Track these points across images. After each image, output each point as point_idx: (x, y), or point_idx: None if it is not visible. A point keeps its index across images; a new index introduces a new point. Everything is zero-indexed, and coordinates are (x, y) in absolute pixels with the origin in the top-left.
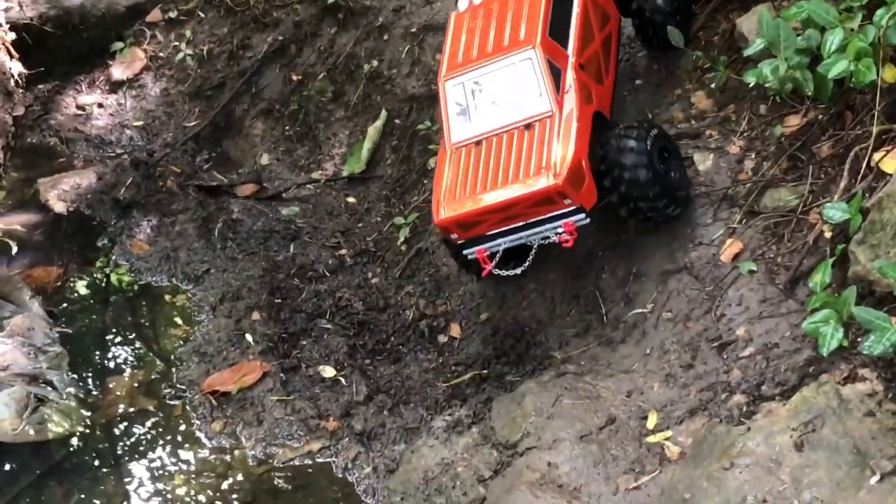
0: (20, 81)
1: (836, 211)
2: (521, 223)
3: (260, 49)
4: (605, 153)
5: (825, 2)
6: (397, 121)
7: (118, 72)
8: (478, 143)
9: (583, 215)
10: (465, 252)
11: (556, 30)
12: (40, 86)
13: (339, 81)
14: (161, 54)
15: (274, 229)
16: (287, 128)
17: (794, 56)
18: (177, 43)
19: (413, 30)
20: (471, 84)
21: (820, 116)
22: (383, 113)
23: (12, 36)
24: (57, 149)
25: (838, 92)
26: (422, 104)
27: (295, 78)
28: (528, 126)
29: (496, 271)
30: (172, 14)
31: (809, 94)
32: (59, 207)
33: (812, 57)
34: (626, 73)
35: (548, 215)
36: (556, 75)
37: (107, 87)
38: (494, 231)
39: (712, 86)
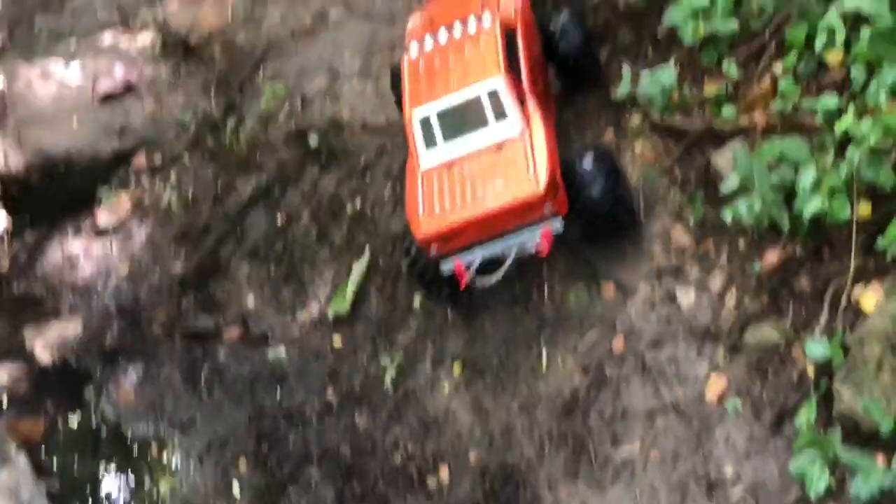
0: (5, 237)
1: (817, 348)
2: (499, 231)
3: (244, 192)
4: (566, 171)
5: (798, 138)
6: (381, 260)
7: (104, 218)
8: (449, 166)
9: (559, 221)
10: (442, 266)
11: (511, 63)
12: (26, 234)
13: (324, 222)
14: (147, 200)
15: (260, 373)
16: (272, 269)
17: (770, 193)
18: (162, 188)
19: (395, 170)
20: (437, 114)
21: (798, 251)
22: (367, 253)
23: None
24: (43, 297)
25: (815, 228)
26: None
27: (280, 220)
28: (500, 147)
29: (474, 283)
30: (157, 160)
31: (786, 229)
32: (44, 357)
33: (787, 193)
34: None
35: (526, 222)
36: (521, 101)
37: (93, 234)
38: (472, 242)
39: (690, 222)
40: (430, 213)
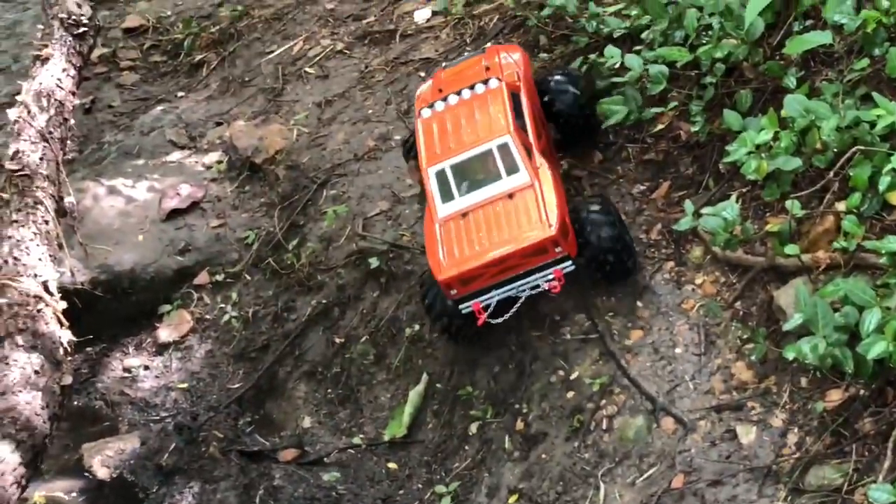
0: (69, 350)
1: (881, 493)
2: (514, 274)
3: (304, 312)
4: (576, 217)
5: (861, 279)
6: (438, 385)
7: (165, 334)
8: (464, 215)
9: (570, 262)
10: (461, 307)
11: (519, 121)
12: (88, 349)
13: (382, 344)
14: (207, 316)
15: (315, 496)
16: (329, 390)
17: (833, 334)
18: (223, 305)
19: None
20: (452, 170)
21: (861, 392)
22: (424, 377)
23: (63, 305)
24: (102, 412)
25: (879, 369)
26: (463, 369)
27: (338, 341)
28: (511, 195)
29: (490, 321)
30: (219, 277)
31: (850, 370)
32: (102, 473)
33: (851, 334)
34: (666, 341)
35: (539, 264)
36: (529, 155)
37: (153, 350)
38: (489, 284)
39: (752, 357)
40: (450, 258)
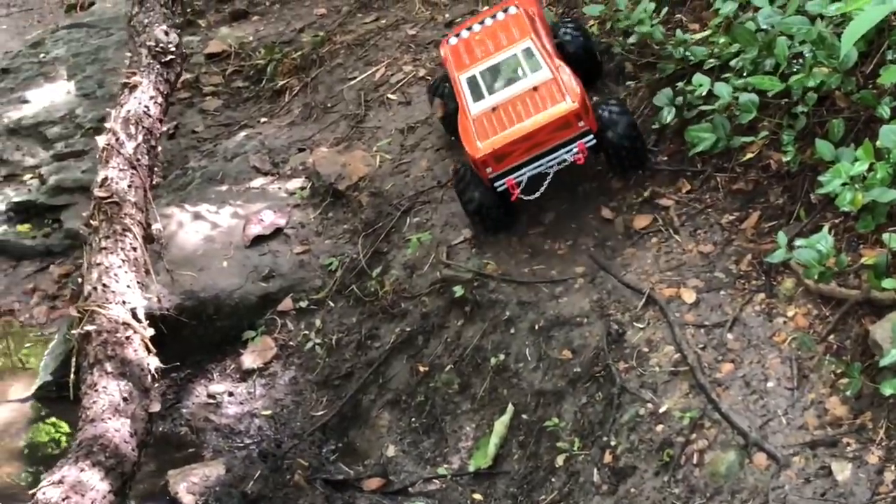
0: (156, 376)
1: None
2: (543, 150)
3: (387, 340)
4: (597, 116)
5: None
6: (524, 416)
7: (249, 360)
8: (494, 109)
9: (592, 136)
10: (496, 184)
11: (537, 35)
12: (172, 374)
13: (466, 374)
14: (291, 343)
15: None
16: (413, 419)
17: None
18: (307, 332)
19: (540, 324)
20: (481, 75)
21: None
22: (510, 407)
23: (150, 331)
24: (187, 438)
25: None
26: (549, 400)
27: (422, 369)
28: (536, 88)
29: (522, 196)
30: (303, 304)
31: None
32: (187, 500)
33: None
34: (757, 374)
35: (565, 139)
36: (549, 57)
37: (237, 376)
38: (520, 161)
39: (847, 392)
40: (484, 138)
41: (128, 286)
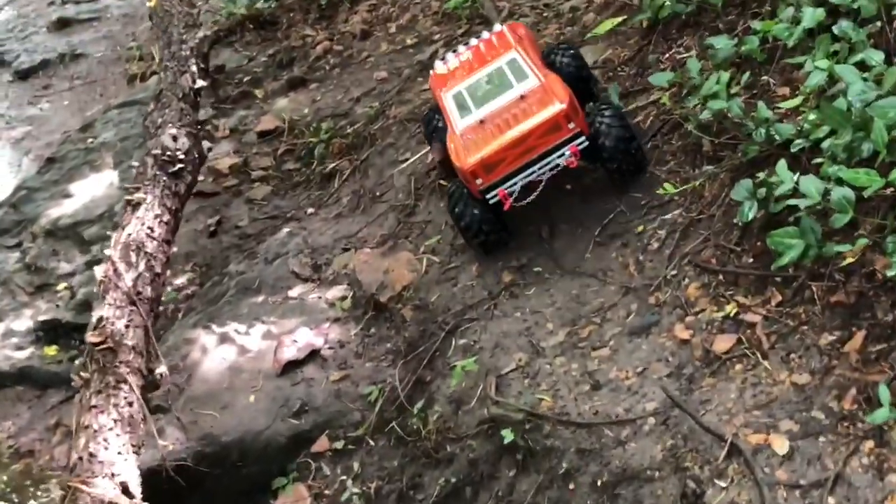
0: None
1: None
2: (534, 156)
3: (432, 490)
4: (591, 120)
5: None
6: None
7: None
8: (481, 122)
9: (584, 138)
10: (488, 196)
11: (523, 48)
12: None
13: None
14: (326, 491)
15: None
16: None
17: None
18: (343, 477)
19: (604, 478)
20: (465, 89)
21: None
22: None
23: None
24: None
25: None
26: None
27: None
28: (523, 97)
29: (515, 204)
30: (339, 444)
31: None
32: None
33: None
34: None
35: (556, 143)
36: (535, 66)
37: None
38: (512, 170)
39: None
40: (473, 150)
41: (119, 453)
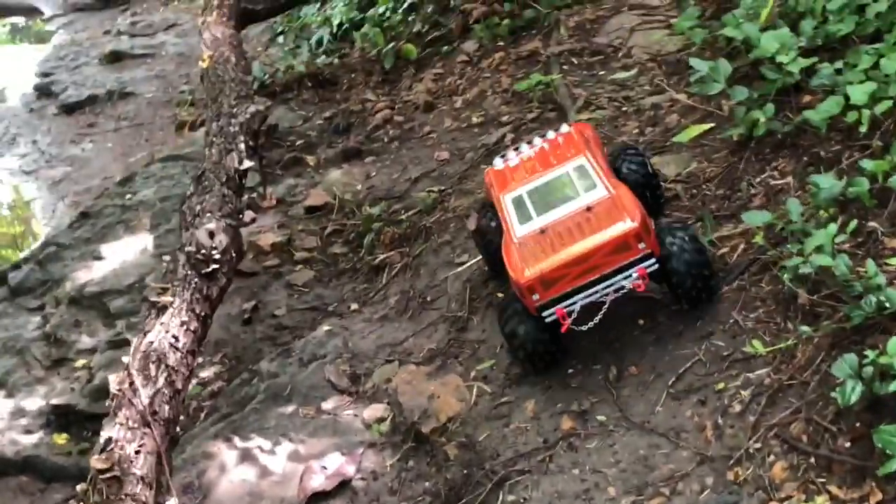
0: None
1: None
2: (597, 276)
3: None
4: (662, 240)
5: None
6: None
7: None
8: (542, 231)
9: (653, 260)
10: (544, 314)
11: (591, 153)
12: None
13: None
14: None
15: None
16: None
17: None
18: None
19: None
20: (528, 194)
21: None
22: None
23: None
24: None
25: None
26: None
27: None
28: (590, 208)
29: (573, 327)
30: None
31: None
32: None
33: None
34: None
35: (623, 263)
36: (604, 175)
37: None
38: (572, 288)
39: None
40: (531, 262)
41: None
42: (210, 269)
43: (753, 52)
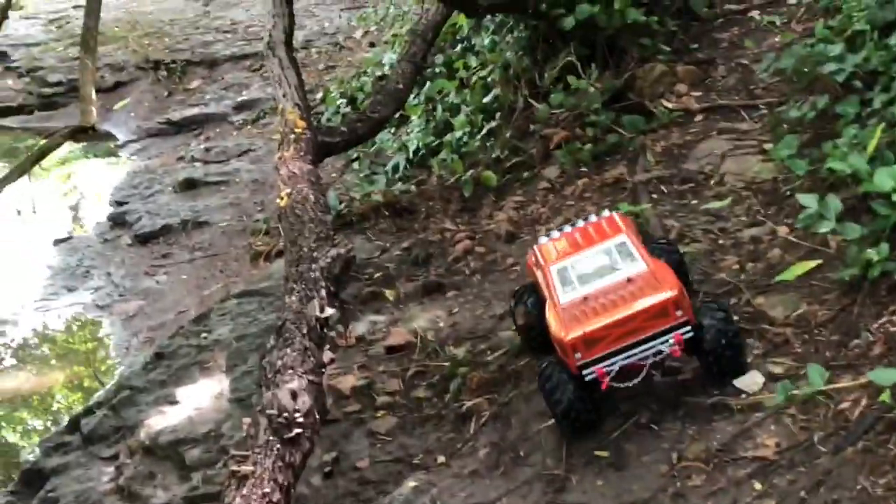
0: None
1: None
2: (637, 339)
3: None
4: (698, 313)
5: None
6: None
7: None
8: (585, 298)
9: (689, 328)
10: (585, 372)
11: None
12: None
13: None
14: None
15: None
16: None
17: None
18: None
19: None
20: (572, 266)
21: None
22: None
23: None
24: None
25: None
26: None
27: None
28: (630, 279)
29: (614, 384)
30: None
31: None
32: None
33: None
34: None
35: (661, 328)
36: (645, 253)
37: None
38: (612, 349)
39: None
40: (575, 324)
41: None
42: (293, 434)
43: (863, 186)
